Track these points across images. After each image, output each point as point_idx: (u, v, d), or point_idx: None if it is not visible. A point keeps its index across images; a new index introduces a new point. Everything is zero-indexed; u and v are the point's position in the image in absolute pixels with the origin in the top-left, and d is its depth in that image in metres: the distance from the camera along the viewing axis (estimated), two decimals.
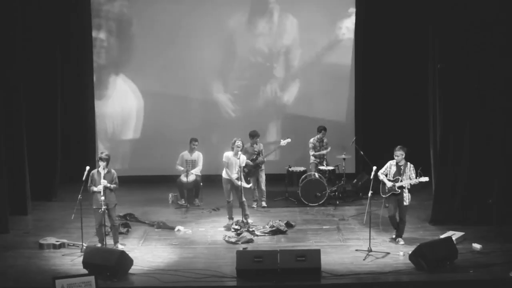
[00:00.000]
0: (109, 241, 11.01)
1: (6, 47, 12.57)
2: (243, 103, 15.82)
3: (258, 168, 13.55)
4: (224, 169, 12.34)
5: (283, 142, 13.59)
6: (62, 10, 14.28)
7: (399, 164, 11.15)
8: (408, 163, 11.16)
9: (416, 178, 11.01)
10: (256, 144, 13.54)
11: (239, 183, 12.17)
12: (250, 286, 9.79)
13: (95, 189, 10.85)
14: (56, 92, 14.16)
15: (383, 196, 11.30)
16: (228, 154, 12.32)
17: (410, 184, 11.08)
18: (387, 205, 11.57)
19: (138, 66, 15.65)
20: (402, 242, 11.16)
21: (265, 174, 13.73)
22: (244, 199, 12.28)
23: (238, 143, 12.19)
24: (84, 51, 15.46)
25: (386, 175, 11.22)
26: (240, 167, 12.19)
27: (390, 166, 11.24)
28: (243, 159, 12.29)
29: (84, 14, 15.32)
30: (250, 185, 13.15)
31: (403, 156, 11.15)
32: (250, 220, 12.34)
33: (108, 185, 10.81)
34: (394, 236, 11.36)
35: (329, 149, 14.31)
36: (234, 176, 12.25)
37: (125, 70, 15.68)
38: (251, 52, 15.65)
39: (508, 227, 11.74)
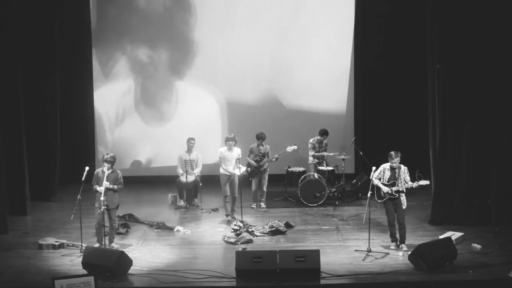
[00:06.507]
0: (107, 241, 11.01)
1: (4, 48, 12.59)
2: (242, 103, 15.81)
3: (262, 169, 13.56)
4: (221, 165, 12.64)
5: (289, 149, 13.59)
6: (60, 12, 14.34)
7: (393, 167, 10.94)
8: (402, 165, 10.93)
9: (414, 181, 10.76)
10: (262, 146, 13.55)
11: (236, 172, 12.62)
12: (250, 287, 9.77)
13: (97, 188, 10.85)
14: (55, 92, 14.14)
15: (379, 201, 11.10)
16: (222, 150, 12.77)
17: (408, 187, 10.88)
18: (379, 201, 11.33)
19: (133, 65, 15.65)
20: (405, 248, 10.87)
21: None
22: (237, 195, 12.71)
23: (230, 137, 12.72)
24: (83, 52, 15.49)
25: (379, 179, 11.04)
26: (236, 159, 12.65)
27: (384, 171, 10.99)
28: (237, 151, 12.71)
29: (84, 12, 15.35)
30: (248, 168, 13.29)
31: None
32: (236, 216, 12.56)
33: (111, 186, 10.80)
34: (397, 244, 11.05)
35: (332, 154, 14.28)
36: (231, 169, 12.63)
37: (124, 70, 15.68)
38: (250, 51, 15.67)
39: (508, 227, 11.74)
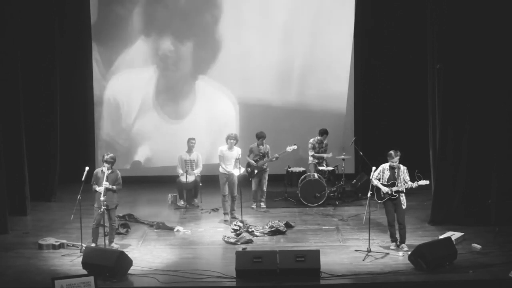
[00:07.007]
0: (107, 241, 11.02)
1: (4, 48, 12.59)
2: (243, 104, 15.81)
3: (262, 169, 13.56)
4: (220, 164, 12.67)
5: (289, 148, 13.59)
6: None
7: (393, 167, 10.90)
8: (401, 165, 10.91)
9: (414, 181, 10.73)
10: (263, 145, 13.55)
11: (235, 172, 12.60)
12: (250, 287, 9.77)
13: (97, 188, 10.84)
14: (55, 92, 14.14)
15: (379, 201, 11.07)
16: (222, 148, 12.72)
17: (407, 187, 10.85)
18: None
19: (134, 65, 15.64)
20: (406, 248, 10.87)
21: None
22: (236, 194, 12.71)
23: (231, 136, 12.69)
24: (83, 52, 15.49)
25: (379, 179, 10.98)
26: (236, 159, 12.63)
27: (383, 171, 10.95)
28: (237, 151, 12.67)
29: (84, 12, 15.36)
30: (244, 169, 13.27)
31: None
32: (236, 216, 12.57)
33: (110, 186, 10.79)
34: (397, 244, 11.05)
35: (330, 154, 14.28)
36: (230, 168, 12.64)
37: (124, 70, 15.68)
38: (251, 51, 15.66)
39: (508, 227, 11.74)
